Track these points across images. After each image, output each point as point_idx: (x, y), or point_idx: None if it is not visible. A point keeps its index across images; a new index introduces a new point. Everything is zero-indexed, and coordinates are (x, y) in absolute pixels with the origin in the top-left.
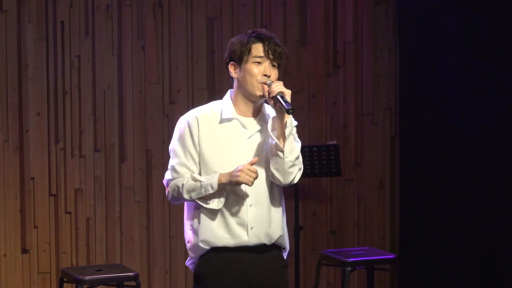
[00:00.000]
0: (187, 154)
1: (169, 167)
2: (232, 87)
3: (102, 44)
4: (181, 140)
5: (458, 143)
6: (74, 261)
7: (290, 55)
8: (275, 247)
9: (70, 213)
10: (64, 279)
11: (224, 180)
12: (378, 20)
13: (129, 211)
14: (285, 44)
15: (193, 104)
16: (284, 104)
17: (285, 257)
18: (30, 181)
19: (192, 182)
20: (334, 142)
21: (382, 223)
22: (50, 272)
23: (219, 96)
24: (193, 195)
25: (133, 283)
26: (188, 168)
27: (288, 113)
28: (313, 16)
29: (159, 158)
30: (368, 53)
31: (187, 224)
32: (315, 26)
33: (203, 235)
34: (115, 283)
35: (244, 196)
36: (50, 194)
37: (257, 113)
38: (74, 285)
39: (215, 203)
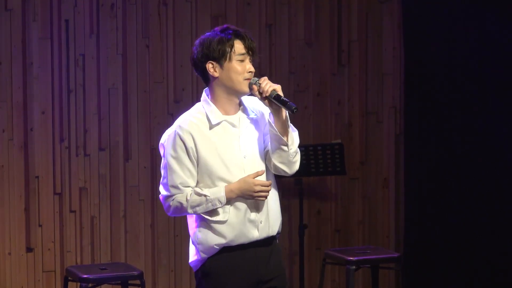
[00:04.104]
0: (185, 170)
1: (165, 182)
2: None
3: (107, 43)
4: (176, 156)
5: (462, 141)
6: (78, 260)
7: (295, 54)
8: (273, 237)
9: (74, 211)
10: (69, 278)
11: (234, 195)
12: (383, 19)
13: (134, 210)
14: (290, 43)
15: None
16: (284, 105)
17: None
18: (35, 180)
19: (196, 197)
20: (339, 140)
21: (387, 222)
22: (54, 271)
23: None
24: (198, 209)
25: (137, 281)
26: (187, 184)
27: (293, 113)
28: (318, 15)
29: None
30: (373, 52)
31: (194, 225)
32: (320, 25)
33: (216, 236)
34: (119, 281)
35: None
36: (54, 193)
37: (239, 107)
38: (78, 283)
39: (221, 216)
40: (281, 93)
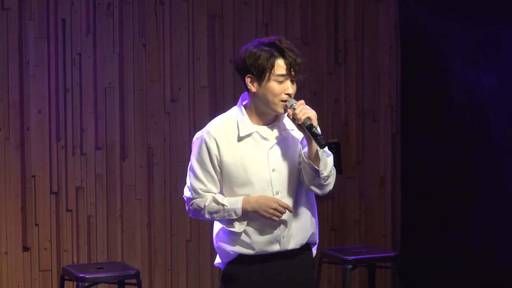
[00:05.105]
0: (207, 175)
1: (188, 184)
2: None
3: (103, 42)
4: (200, 160)
5: (459, 141)
6: (75, 259)
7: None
8: (306, 247)
9: (71, 211)
10: (65, 277)
11: (249, 208)
12: (379, 17)
13: (130, 209)
14: None
15: (194, 102)
16: (314, 138)
17: (315, 251)
18: (31, 179)
19: (214, 205)
20: (336, 140)
21: (383, 221)
22: (51, 270)
23: (220, 94)
24: (215, 216)
25: (134, 281)
26: (209, 190)
27: (322, 148)
28: (315, 14)
29: (160, 156)
30: (370, 51)
31: (215, 230)
32: (316, 24)
33: (234, 244)
34: (116, 281)
35: None
36: (51, 192)
37: (274, 119)
38: (75, 283)
39: (237, 227)
40: (315, 122)
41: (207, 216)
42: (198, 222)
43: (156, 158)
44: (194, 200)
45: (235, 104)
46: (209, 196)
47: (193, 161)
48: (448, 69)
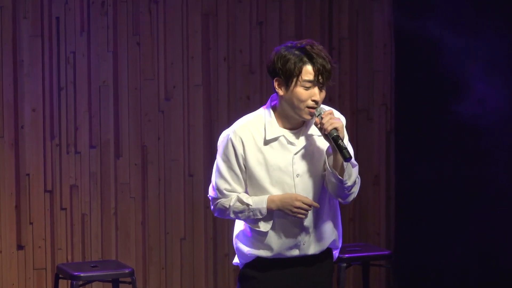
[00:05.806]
0: (233, 175)
1: (213, 183)
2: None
3: (98, 40)
4: (226, 159)
5: (453, 139)
6: (69, 257)
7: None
8: (326, 252)
9: (65, 209)
10: (60, 275)
11: (274, 207)
12: (373, 16)
13: (125, 207)
14: (281, 41)
15: (189, 100)
16: (340, 151)
17: (336, 255)
18: (26, 178)
19: (239, 204)
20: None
21: (378, 219)
22: (45, 268)
23: (214, 92)
24: (241, 216)
25: (128, 279)
26: (234, 189)
27: (346, 162)
28: (309, 12)
29: (155, 154)
30: (364, 49)
31: (235, 231)
32: (310, 22)
33: (252, 247)
34: (110, 279)
35: None
36: (45, 190)
37: (302, 123)
38: (69, 281)
39: (263, 226)
40: (342, 133)
41: (232, 216)
42: (192, 220)
43: (151, 156)
44: (219, 200)
45: (229, 103)
46: (233, 196)
47: (219, 160)
48: (442, 67)
